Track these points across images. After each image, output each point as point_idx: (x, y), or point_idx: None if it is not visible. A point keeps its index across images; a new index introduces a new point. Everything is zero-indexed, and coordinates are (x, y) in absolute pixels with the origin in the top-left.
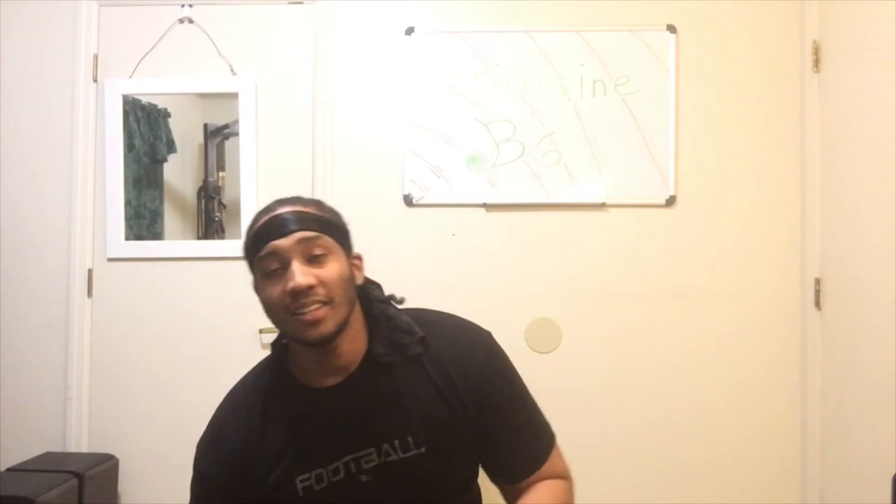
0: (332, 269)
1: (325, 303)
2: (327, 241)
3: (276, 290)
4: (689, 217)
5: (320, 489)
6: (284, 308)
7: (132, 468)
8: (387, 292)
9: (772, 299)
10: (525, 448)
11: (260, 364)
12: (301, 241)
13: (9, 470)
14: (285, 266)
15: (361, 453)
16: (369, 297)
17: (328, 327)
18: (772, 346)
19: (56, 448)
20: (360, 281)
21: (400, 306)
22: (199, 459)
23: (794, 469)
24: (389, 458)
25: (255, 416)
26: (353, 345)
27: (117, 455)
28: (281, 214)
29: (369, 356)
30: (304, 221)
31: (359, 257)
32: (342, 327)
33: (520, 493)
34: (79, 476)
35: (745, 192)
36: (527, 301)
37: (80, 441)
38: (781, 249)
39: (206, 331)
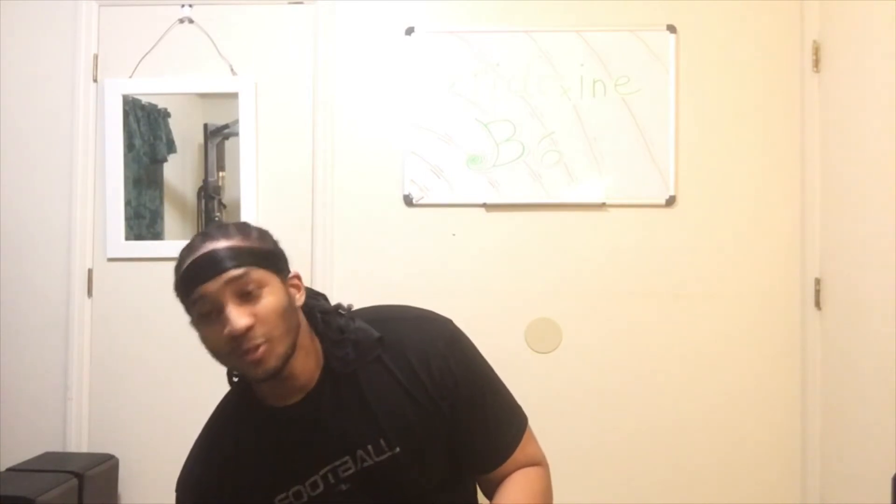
0: (268, 303)
1: (265, 341)
2: (258, 273)
3: (214, 333)
4: (689, 217)
5: None
6: (227, 353)
7: (132, 468)
8: (386, 290)
9: (772, 299)
10: (496, 434)
11: (224, 397)
12: (230, 280)
13: (9, 470)
14: (219, 309)
15: (337, 463)
16: (314, 312)
17: (272, 364)
18: (772, 346)
19: (56, 448)
20: (300, 302)
21: (357, 307)
22: (180, 500)
23: (794, 469)
24: (365, 464)
25: (228, 447)
26: (307, 364)
27: (117, 455)
28: (205, 254)
29: (328, 369)
30: (230, 258)
31: (297, 276)
32: (288, 358)
33: (496, 483)
34: (79, 476)
35: (745, 192)
36: (527, 301)
37: (80, 441)
38: (781, 249)
39: None
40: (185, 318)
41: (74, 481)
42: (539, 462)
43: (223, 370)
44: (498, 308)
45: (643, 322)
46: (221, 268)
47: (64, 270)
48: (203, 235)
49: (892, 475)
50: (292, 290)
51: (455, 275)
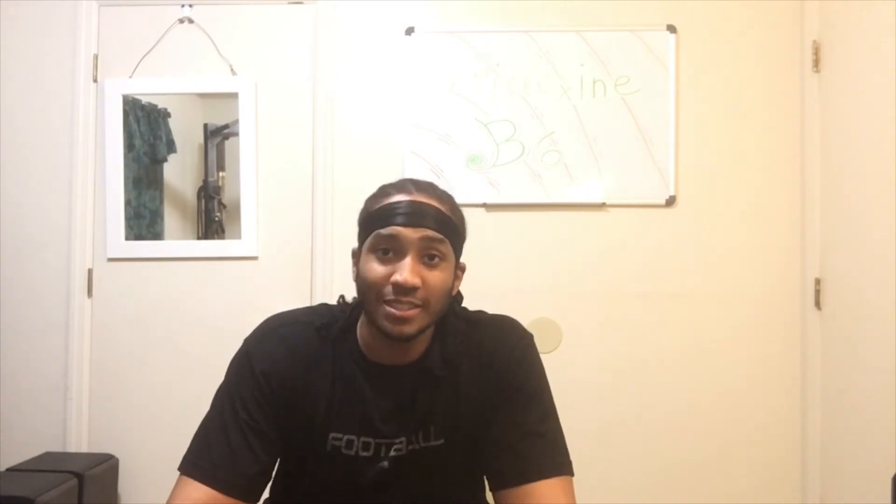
0: (440, 277)
1: (419, 306)
2: (447, 247)
3: (378, 272)
4: (689, 217)
5: (346, 455)
6: (379, 293)
7: (132, 468)
8: None
9: (772, 299)
10: (529, 450)
11: (328, 311)
12: (425, 238)
13: (9, 470)
14: (399, 254)
15: (395, 441)
16: (452, 309)
17: (411, 329)
18: (772, 346)
19: (56, 448)
20: (454, 292)
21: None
22: (251, 353)
23: (794, 469)
24: (412, 447)
25: (314, 354)
26: (420, 345)
27: (117, 455)
28: (417, 202)
29: (425, 359)
30: (435, 220)
31: (462, 268)
32: (422, 332)
33: None
34: (79, 476)
35: (745, 193)
36: (527, 301)
37: (80, 441)
38: (781, 249)
39: (206, 331)
40: (184, 319)
41: (74, 481)
42: None
43: (222, 370)
44: (498, 308)
45: (643, 322)
46: (426, 223)
47: (64, 270)
48: (415, 182)
49: (892, 475)
50: (455, 280)
51: None
